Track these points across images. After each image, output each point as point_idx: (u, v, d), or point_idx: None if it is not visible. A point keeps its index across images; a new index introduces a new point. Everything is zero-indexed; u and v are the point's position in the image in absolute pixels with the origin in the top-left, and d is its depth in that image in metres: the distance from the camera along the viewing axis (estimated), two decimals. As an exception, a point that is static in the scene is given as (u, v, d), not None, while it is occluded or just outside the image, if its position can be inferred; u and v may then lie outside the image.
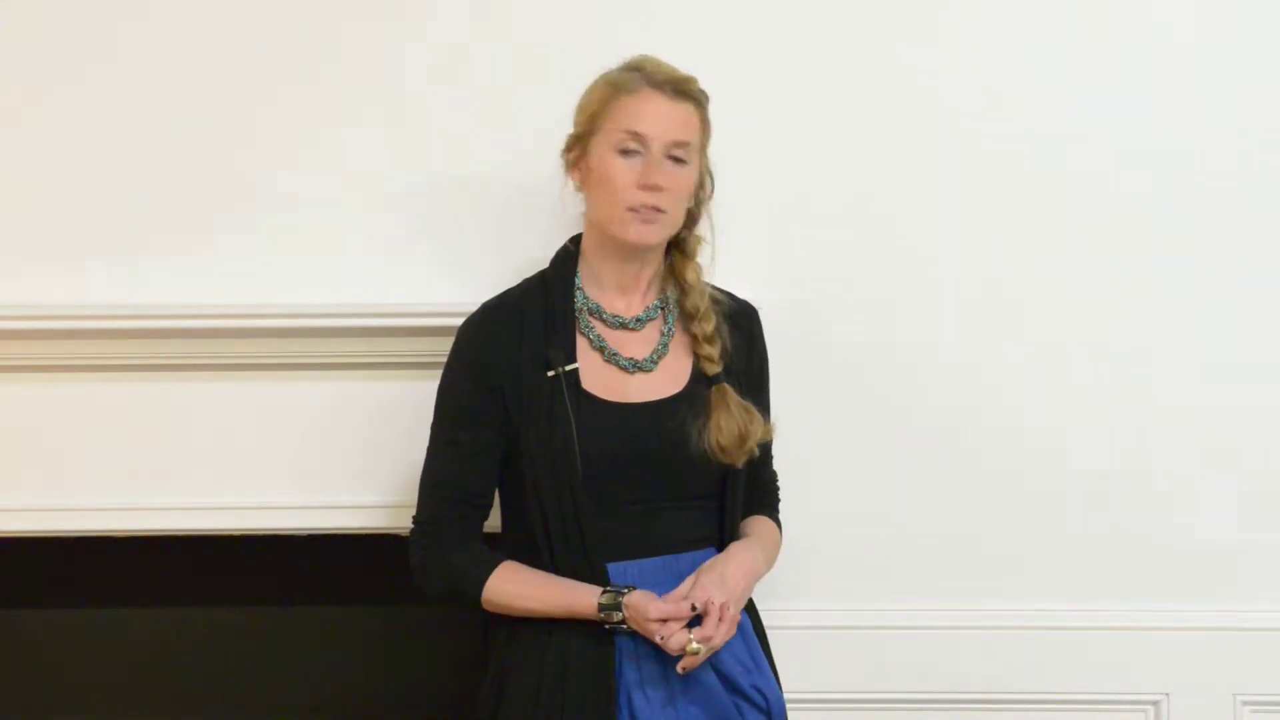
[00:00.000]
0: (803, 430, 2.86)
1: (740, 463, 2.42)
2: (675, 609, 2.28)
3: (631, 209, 2.36)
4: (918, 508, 2.93)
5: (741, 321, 2.52)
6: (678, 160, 2.38)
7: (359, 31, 2.86)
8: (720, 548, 2.45)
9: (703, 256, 2.51)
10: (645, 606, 2.28)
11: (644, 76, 2.37)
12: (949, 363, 2.92)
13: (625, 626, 2.31)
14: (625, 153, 2.36)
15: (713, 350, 2.44)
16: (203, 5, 2.85)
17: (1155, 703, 2.94)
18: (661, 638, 2.27)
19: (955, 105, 2.89)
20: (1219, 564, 2.94)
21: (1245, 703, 2.93)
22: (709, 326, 2.45)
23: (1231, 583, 2.94)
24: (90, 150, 2.85)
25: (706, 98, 2.43)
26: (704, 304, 2.46)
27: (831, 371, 2.91)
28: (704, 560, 2.40)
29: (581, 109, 2.42)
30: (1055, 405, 2.92)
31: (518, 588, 2.36)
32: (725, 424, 2.40)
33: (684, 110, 2.38)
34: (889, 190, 2.89)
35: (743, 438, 2.41)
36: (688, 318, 2.47)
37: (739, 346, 2.49)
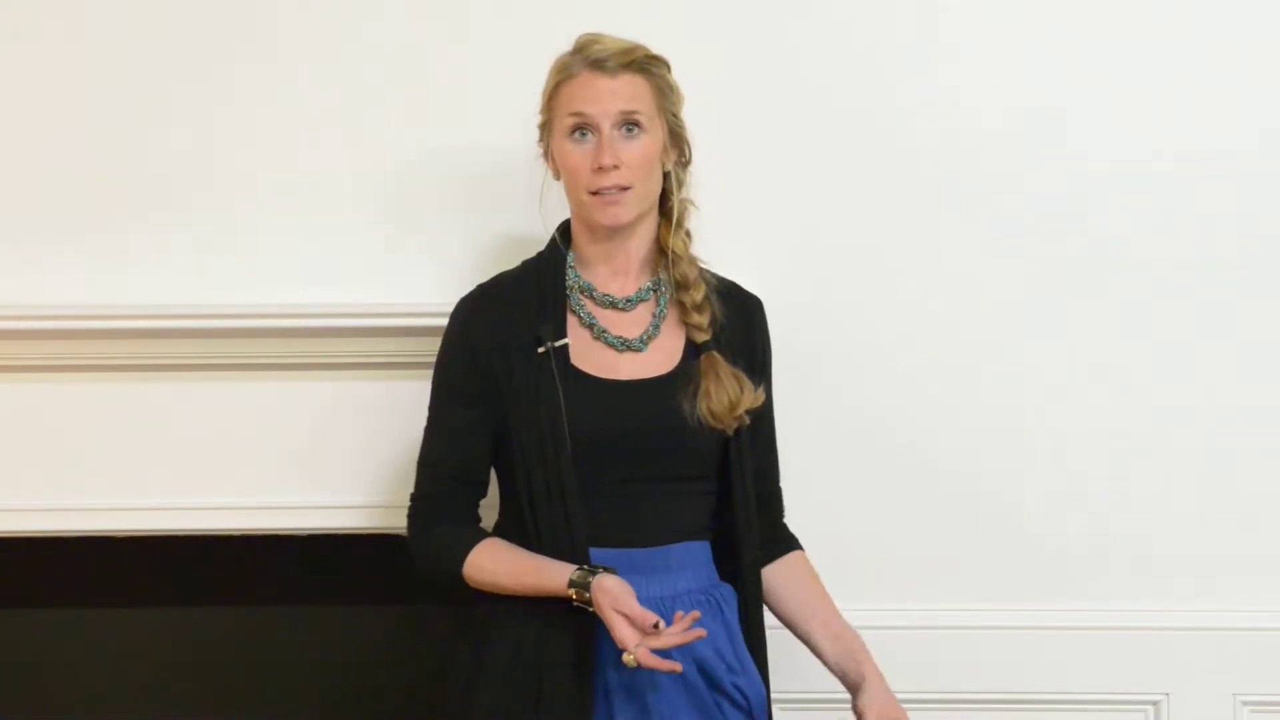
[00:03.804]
0: (806, 430, 2.87)
1: (731, 429, 2.42)
2: (640, 616, 2.25)
3: (592, 193, 2.38)
4: (918, 507, 2.94)
5: (743, 308, 2.53)
6: (631, 133, 2.38)
7: (351, 31, 2.86)
8: (718, 544, 2.46)
9: (692, 222, 2.51)
10: (617, 595, 2.26)
11: (584, 58, 2.39)
12: (950, 362, 2.92)
13: (591, 608, 2.28)
14: (577, 139, 2.38)
15: (701, 319, 2.45)
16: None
17: (1155, 703, 2.93)
18: (614, 628, 2.25)
19: (954, 102, 2.90)
20: (1219, 564, 2.93)
21: (1245, 703, 2.92)
22: (698, 295, 2.46)
23: (1231, 583, 2.94)
24: (75, 148, 2.86)
25: (658, 63, 2.44)
26: (693, 273, 2.47)
27: (835, 371, 2.91)
28: (696, 552, 2.42)
29: (542, 98, 2.45)
30: (1056, 405, 2.92)
31: (495, 564, 2.37)
32: (715, 391, 2.41)
33: (626, 82, 2.39)
34: (893, 190, 2.90)
35: (733, 404, 2.41)
36: (677, 287, 2.47)
37: (738, 330, 2.50)
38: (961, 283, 2.91)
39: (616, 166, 2.36)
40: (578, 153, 2.39)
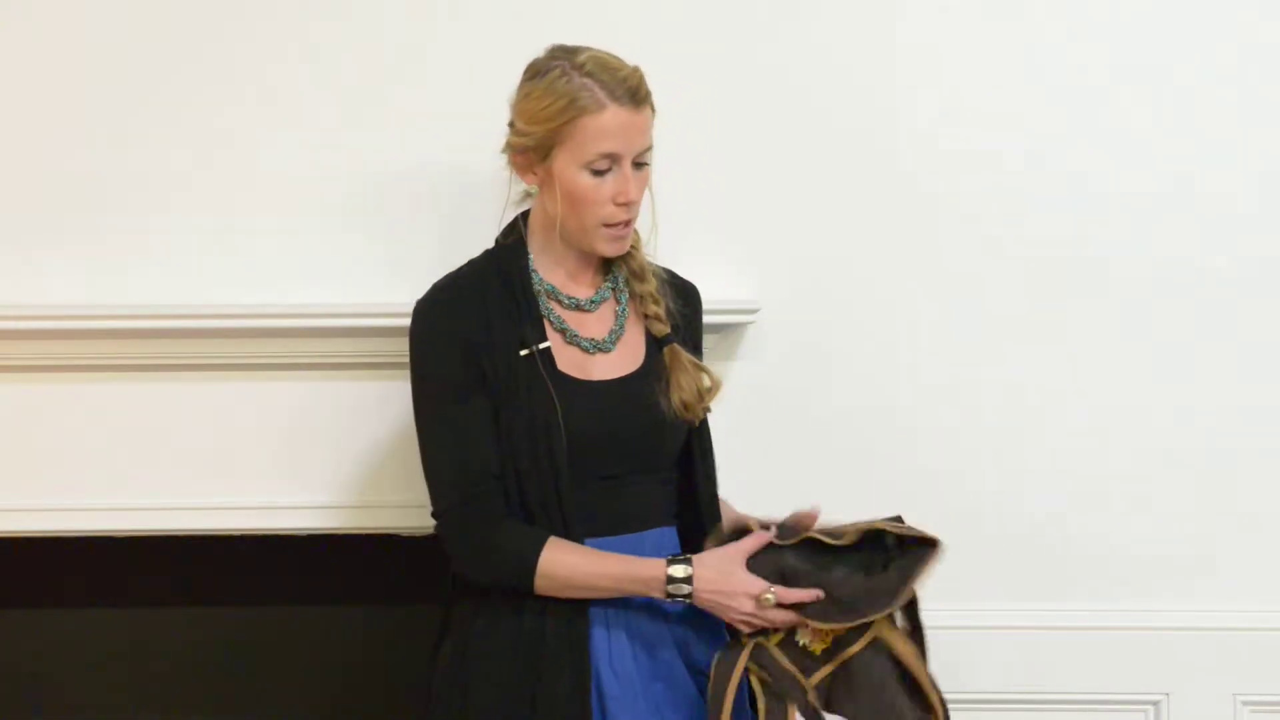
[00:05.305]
0: (806, 431, 2.87)
1: (698, 419, 2.46)
2: (796, 596, 2.34)
3: (606, 224, 2.37)
4: (917, 508, 2.92)
5: (686, 297, 2.55)
6: (642, 164, 2.38)
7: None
8: (685, 523, 2.47)
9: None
10: (750, 585, 2.33)
11: (601, 88, 2.32)
12: (950, 363, 2.92)
13: (689, 599, 2.32)
14: (597, 171, 2.34)
15: (658, 309, 2.47)
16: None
17: (1155, 703, 2.94)
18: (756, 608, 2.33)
19: (954, 103, 2.90)
20: (1220, 565, 2.94)
21: (1245, 703, 2.93)
22: (652, 285, 2.48)
23: (1231, 583, 2.94)
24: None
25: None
26: (647, 262, 2.49)
27: (834, 373, 2.92)
28: (668, 537, 2.44)
29: (532, 117, 2.34)
30: (1056, 406, 2.93)
31: (578, 564, 2.33)
32: (685, 382, 2.43)
33: (645, 116, 2.36)
34: (892, 192, 2.90)
35: (700, 394, 2.45)
36: (634, 277, 2.48)
37: (687, 319, 2.52)
38: (961, 284, 2.91)
39: (637, 200, 2.37)
40: (595, 185, 2.34)
